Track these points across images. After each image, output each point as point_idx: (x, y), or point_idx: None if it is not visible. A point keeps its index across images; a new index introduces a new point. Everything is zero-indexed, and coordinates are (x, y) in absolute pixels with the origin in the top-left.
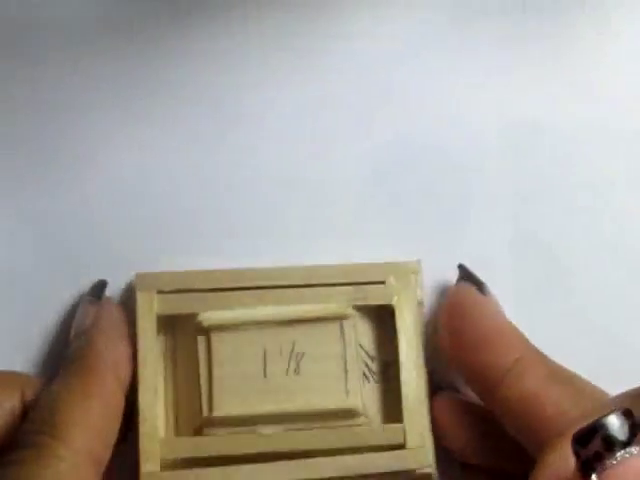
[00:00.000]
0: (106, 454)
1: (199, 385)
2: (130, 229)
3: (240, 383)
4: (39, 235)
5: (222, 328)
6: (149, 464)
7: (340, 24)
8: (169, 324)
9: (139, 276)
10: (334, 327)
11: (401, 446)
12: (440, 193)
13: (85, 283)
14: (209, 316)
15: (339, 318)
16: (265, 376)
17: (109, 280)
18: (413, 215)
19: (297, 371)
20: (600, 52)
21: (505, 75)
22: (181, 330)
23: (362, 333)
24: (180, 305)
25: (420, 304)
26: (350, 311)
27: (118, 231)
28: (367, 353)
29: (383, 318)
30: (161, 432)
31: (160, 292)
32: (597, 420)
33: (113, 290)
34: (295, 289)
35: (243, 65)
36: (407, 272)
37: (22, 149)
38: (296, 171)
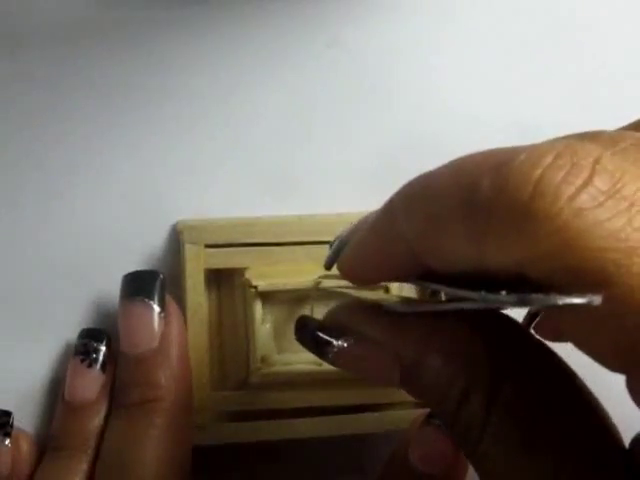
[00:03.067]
0: None
1: (246, 340)
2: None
3: (286, 340)
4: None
5: (270, 286)
6: (198, 417)
7: (340, 23)
8: (214, 277)
9: (185, 227)
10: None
11: None
12: None
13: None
14: (257, 274)
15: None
16: None
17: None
18: None
19: None
20: (597, 53)
21: (500, 77)
22: (227, 284)
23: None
24: (228, 260)
25: None
26: None
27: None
28: None
29: None
30: (210, 386)
31: (208, 246)
32: None
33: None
34: None
35: (242, 63)
36: None
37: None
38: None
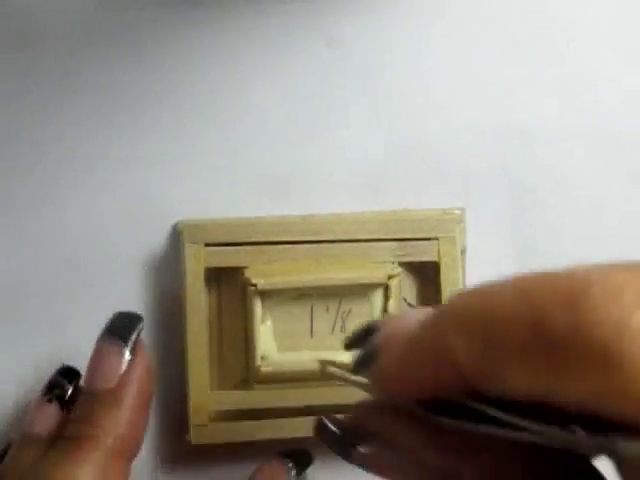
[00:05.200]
0: None
1: (245, 339)
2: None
3: (286, 339)
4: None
5: (270, 285)
6: (198, 416)
7: (339, 23)
8: (214, 276)
9: (185, 226)
10: (380, 289)
11: None
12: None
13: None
14: (257, 272)
15: (385, 282)
16: (312, 333)
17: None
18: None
19: (343, 328)
20: (596, 56)
21: (499, 79)
22: (227, 283)
23: (406, 286)
24: (228, 259)
25: (463, 252)
26: (396, 271)
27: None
28: (409, 304)
29: (426, 270)
30: (210, 386)
31: (208, 245)
32: None
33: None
34: (341, 244)
35: (242, 63)
36: (452, 224)
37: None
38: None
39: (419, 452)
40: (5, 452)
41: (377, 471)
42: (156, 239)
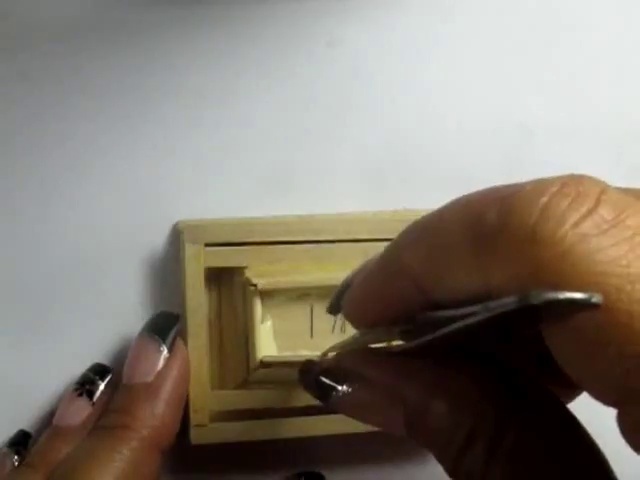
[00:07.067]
0: None
1: (245, 339)
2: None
3: (286, 339)
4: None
5: (270, 285)
6: (199, 416)
7: (340, 23)
8: (214, 276)
9: (185, 226)
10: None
11: None
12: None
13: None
14: (257, 272)
15: None
16: (311, 333)
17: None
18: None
19: (343, 329)
20: (596, 55)
21: (499, 78)
22: (227, 283)
23: None
24: (228, 258)
25: None
26: None
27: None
28: None
29: None
30: (210, 385)
31: (208, 245)
32: None
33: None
34: (341, 244)
35: (242, 62)
36: None
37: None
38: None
39: (393, 388)
40: (22, 444)
41: (352, 411)
42: (156, 239)
